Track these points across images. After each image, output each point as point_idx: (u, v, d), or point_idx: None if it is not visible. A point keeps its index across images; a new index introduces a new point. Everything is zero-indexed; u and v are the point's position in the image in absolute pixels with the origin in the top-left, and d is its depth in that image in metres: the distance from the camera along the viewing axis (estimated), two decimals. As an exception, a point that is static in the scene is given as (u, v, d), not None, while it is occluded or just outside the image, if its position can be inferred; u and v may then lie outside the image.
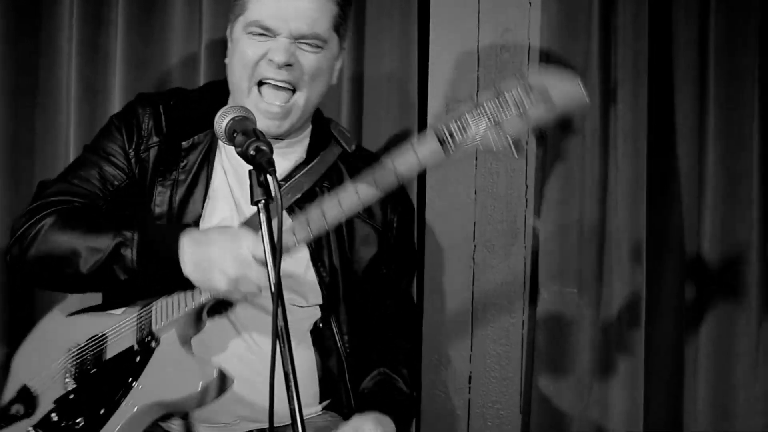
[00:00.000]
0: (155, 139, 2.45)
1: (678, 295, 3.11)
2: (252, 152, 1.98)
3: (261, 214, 1.95)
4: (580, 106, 2.16)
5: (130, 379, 2.31)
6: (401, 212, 2.61)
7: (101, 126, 2.56)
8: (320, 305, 2.49)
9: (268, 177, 1.94)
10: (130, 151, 2.44)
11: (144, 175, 2.44)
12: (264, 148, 1.98)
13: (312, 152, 2.52)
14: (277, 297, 1.90)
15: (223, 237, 2.22)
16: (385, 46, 3.07)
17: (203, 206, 2.43)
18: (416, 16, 3.06)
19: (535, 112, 2.15)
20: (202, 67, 3.04)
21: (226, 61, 2.48)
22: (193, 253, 2.23)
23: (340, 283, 2.48)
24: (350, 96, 3.07)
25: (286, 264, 2.35)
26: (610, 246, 3.04)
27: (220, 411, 2.35)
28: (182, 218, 2.42)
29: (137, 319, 2.35)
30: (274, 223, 1.90)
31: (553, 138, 3.06)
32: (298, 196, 2.45)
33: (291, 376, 1.89)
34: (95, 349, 2.37)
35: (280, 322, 1.91)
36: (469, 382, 3.10)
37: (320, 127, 2.58)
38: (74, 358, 2.38)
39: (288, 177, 2.46)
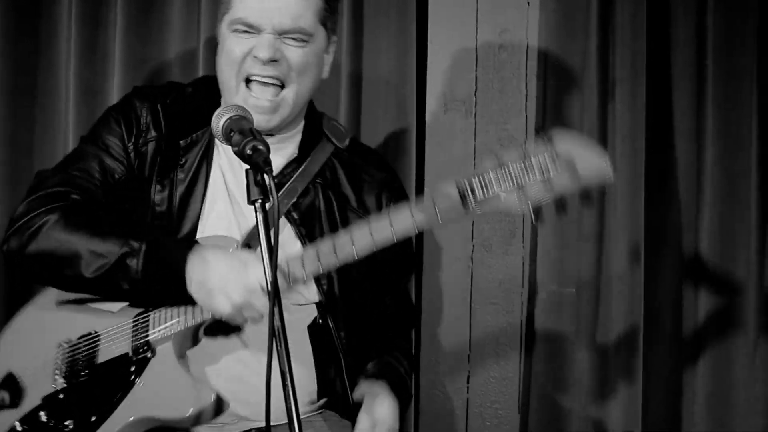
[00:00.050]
0: (153, 133, 2.44)
1: (676, 293, 3.11)
2: (249, 151, 1.98)
3: (258, 214, 1.96)
4: (604, 181, 2.13)
5: (123, 389, 2.29)
6: (396, 205, 2.60)
7: None
8: (317, 303, 2.49)
9: (265, 176, 1.95)
10: (129, 144, 2.43)
11: (142, 168, 2.43)
12: (261, 147, 1.98)
13: (304, 149, 2.52)
14: (274, 296, 1.91)
15: (233, 262, 2.22)
16: (383, 45, 3.07)
17: (202, 205, 2.43)
18: (414, 16, 3.06)
19: (560, 180, 2.12)
20: (200, 66, 3.04)
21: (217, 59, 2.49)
22: (200, 273, 2.22)
23: (337, 281, 2.48)
24: (348, 95, 3.07)
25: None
26: (608, 245, 3.04)
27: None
28: (182, 218, 2.41)
29: (133, 325, 2.33)
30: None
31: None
32: (294, 200, 2.45)
33: (287, 376, 1.89)
34: (87, 350, 2.35)
35: (277, 322, 1.91)
36: (468, 382, 3.10)
37: (312, 122, 2.57)
38: (65, 356, 2.36)
39: (280, 174, 2.46)
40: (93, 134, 2.49)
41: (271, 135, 2.44)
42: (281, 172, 2.47)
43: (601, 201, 3.05)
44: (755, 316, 3.07)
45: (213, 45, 2.97)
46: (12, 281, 2.99)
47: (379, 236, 2.19)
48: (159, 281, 2.25)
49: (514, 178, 2.13)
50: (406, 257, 2.69)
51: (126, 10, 3.03)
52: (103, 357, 2.34)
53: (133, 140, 2.44)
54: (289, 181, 2.46)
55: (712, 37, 3.04)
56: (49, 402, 2.33)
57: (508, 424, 3.10)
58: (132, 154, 2.43)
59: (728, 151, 3.06)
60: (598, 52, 3.02)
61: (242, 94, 2.39)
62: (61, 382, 2.34)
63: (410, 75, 3.06)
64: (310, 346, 2.47)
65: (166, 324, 2.30)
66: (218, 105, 2.37)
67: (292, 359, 1.92)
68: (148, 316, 2.33)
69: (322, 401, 2.51)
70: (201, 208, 2.42)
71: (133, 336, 2.33)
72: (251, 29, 2.37)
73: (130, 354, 2.32)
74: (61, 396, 2.33)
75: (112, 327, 2.35)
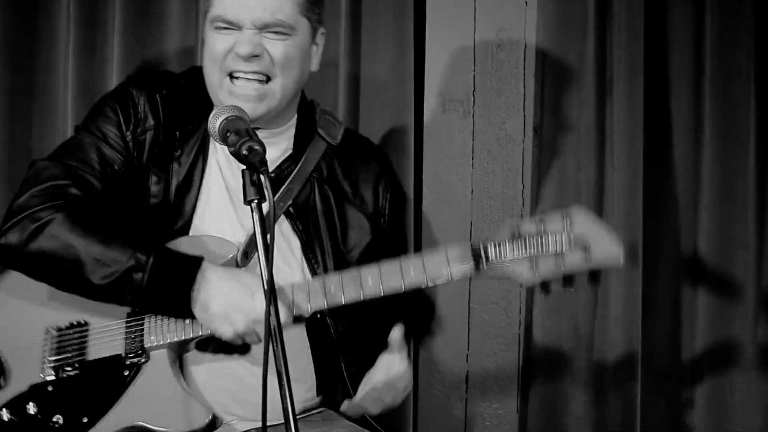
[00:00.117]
0: (152, 122, 2.43)
1: (675, 293, 3.11)
2: (245, 152, 1.99)
3: (254, 214, 1.96)
4: (614, 267, 2.23)
5: (116, 393, 2.28)
6: (392, 197, 2.61)
7: None
8: None
9: (261, 176, 1.95)
10: (128, 133, 2.42)
11: (140, 158, 2.42)
12: (257, 147, 1.99)
13: (299, 143, 2.52)
14: (270, 295, 1.91)
15: (240, 288, 2.22)
16: (380, 45, 3.07)
17: (197, 198, 2.43)
18: (412, 15, 3.06)
19: (572, 259, 2.21)
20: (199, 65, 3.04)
21: None
22: (205, 296, 2.23)
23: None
24: (346, 95, 3.06)
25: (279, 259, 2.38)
26: (606, 245, 3.04)
27: (217, 411, 2.33)
28: (177, 210, 2.40)
29: (126, 325, 2.32)
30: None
31: (550, 136, 3.08)
32: (290, 202, 2.46)
33: (284, 376, 1.89)
34: (77, 341, 2.33)
35: (273, 321, 1.91)
36: (466, 382, 3.10)
37: (305, 116, 2.57)
38: (53, 344, 2.33)
39: (278, 168, 2.47)
40: (89, 123, 2.46)
41: (262, 129, 2.42)
42: (279, 166, 2.48)
43: (599, 200, 3.05)
44: (753, 316, 3.06)
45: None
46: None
47: (388, 285, 2.25)
48: (163, 298, 2.25)
49: (528, 251, 2.21)
50: (400, 245, 2.69)
51: (124, 10, 3.03)
52: (94, 354, 2.31)
53: (131, 129, 2.42)
54: (288, 178, 2.47)
55: (709, 37, 3.04)
56: (37, 393, 2.30)
57: (507, 423, 3.10)
58: (131, 144, 2.42)
59: (726, 150, 3.06)
60: (596, 51, 3.02)
61: (227, 86, 2.39)
62: (49, 373, 2.30)
63: (408, 74, 3.06)
64: (308, 341, 2.47)
65: (164, 334, 2.29)
66: None
67: (290, 355, 1.93)
68: (143, 319, 2.32)
69: (321, 398, 2.51)
70: (196, 201, 2.42)
71: (126, 337, 2.31)
72: (231, 26, 2.37)
73: (124, 356, 2.30)
74: (50, 388, 2.30)
75: (103, 322, 2.33)
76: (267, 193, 1.95)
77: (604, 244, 2.21)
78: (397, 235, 2.67)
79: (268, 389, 1.91)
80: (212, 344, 2.33)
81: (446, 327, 3.10)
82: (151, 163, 2.41)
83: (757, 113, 3.05)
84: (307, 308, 2.25)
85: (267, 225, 1.95)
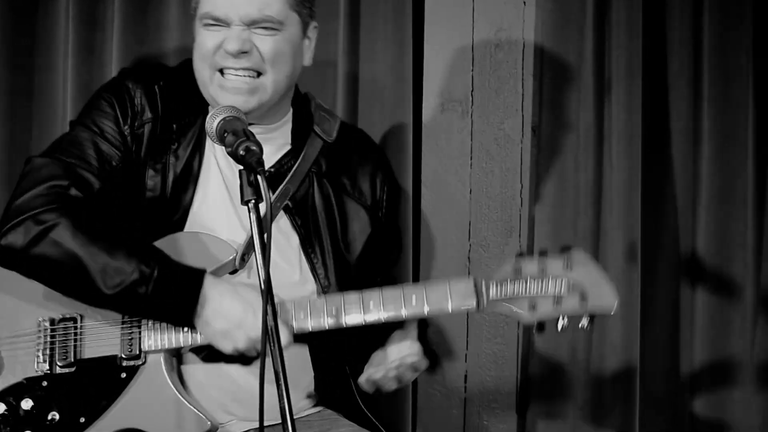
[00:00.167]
0: (149, 115, 2.42)
1: (673, 293, 3.11)
2: (242, 152, 1.99)
3: (251, 214, 1.96)
4: (606, 314, 2.30)
5: (112, 395, 2.27)
6: (389, 189, 2.62)
7: None
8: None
9: (258, 177, 1.95)
10: (125, 127, 2.41)
11: (138, 152, 2.41)
12: (254, 148, 1.99)
13: (296, 138, 2.52)
14: (267, 295, 1.91)
15: (242, 305, 2.22)
16: (379, 44, 3.07)
17: (194, 191, 2.42)
18: (411, 15, 3.06)
19: (568, 303, 2.29)
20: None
21: None
22: (209, 312, 2.23)
23: (333, 268, 2.47)
24: (345, 94, 3.06)
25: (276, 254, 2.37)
26: (605, 245, 3.04)
27: (215, 411, 2.34)
28: (175, 204, 2.40)
29: (122, 326, 2.31)
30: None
31: (549, 136, 3.08)
32: (287, 202, 2.45)
33: (281, 376, 1.90)
34: (71, 337, 2.31)
35: (270, 321, 1.92)
36: (465, 381, 3.10)
37: (301, 110, 2.57)
38: (47, 337, 2.32)
39: (277, 163, 2.47)
40: (85, 118, 2.44)
41: (257, 125, 2.42)
42: (279, 161, 2.48)
43: (598, 200, 3.05)
44: (752, 316, 3.06)
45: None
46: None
47: (389, 315, 2.30)
48: (166, 309, 2.25)
49: (528, 292, 2.29)
50: (395, 236, 2.71)
51: (123, 10, 3.03)
52: (89, 352, 2.30)
53: (129, 123, 2.41)
54: (288, 173, 2.47)
55: (708, 37, 3.04)
56: (32, 386, 2.29)
57: (506, 423, 3.10)
58: (128, 138, 2.41)
59: (725, 150, 3.06)
60: (594, 51, 3.02)
61: (217, 81, 2.39)
62: (44, 367, 2.30)
63: (407, 74, 3.06)
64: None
65: (162, 339, 2.29)
66: None
67: (288, 353, 1.94)
68: (140, 320, 2.31)
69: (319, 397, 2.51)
70: (194, 194, 2.42)
71: (122, 338, 2.31)
72: (220, 22, 2.37)
73: (120, 357, 2.30)
74: (44, 383, 2.29)
75: (96, 318, 2.31)
76: (264, 193, 1.95)
77: (600, 293, 2.29)
78: (394, 229, 2.67)
79: (267, 389, 1.91)
80: (204, 352, 2.34)
81: (445, 327, 3.10)
82: (148, 157, 2.41)
83: (756, 113, 3.05)
84: (308, 328, 2.27)
85: (264, 226, 1.95)
